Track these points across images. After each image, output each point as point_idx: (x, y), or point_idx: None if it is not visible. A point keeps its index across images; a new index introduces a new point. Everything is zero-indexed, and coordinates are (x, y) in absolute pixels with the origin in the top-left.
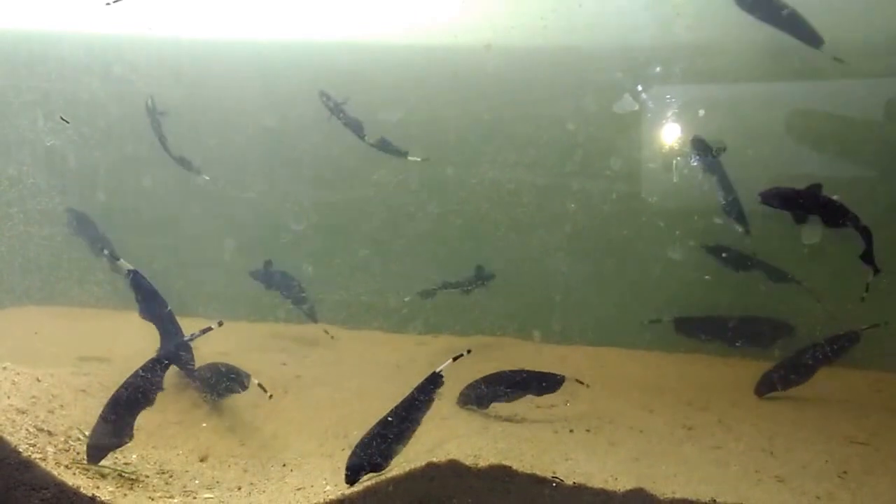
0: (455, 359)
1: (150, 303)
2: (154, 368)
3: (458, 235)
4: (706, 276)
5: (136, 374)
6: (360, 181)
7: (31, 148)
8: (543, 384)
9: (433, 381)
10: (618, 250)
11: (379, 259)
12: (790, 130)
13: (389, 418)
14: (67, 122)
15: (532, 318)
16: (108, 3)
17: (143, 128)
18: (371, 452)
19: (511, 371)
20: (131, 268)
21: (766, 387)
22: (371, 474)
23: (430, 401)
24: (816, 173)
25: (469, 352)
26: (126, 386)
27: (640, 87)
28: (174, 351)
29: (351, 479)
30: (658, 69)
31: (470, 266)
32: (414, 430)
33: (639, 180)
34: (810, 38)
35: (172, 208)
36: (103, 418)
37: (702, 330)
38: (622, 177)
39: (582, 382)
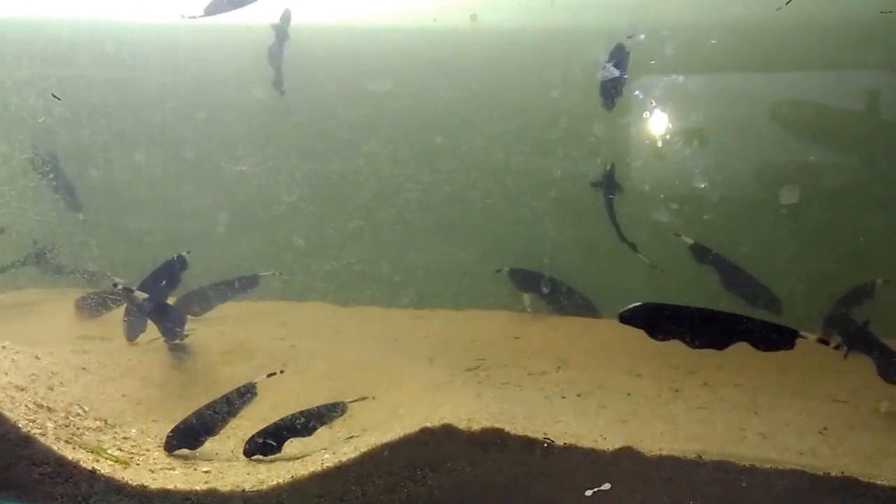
0: (269, 375)
1: None
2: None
3: (448, 202)
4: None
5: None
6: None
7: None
8: None
9: (249, 390)
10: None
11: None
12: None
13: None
14: (59, 99)
15: (521, 287)
16: None
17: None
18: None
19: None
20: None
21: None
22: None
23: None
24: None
25: (282, 371)
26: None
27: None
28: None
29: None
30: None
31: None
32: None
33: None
34: None
35: (165, 184)
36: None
37: (522, 282)
38: (606, 143)
39: None
